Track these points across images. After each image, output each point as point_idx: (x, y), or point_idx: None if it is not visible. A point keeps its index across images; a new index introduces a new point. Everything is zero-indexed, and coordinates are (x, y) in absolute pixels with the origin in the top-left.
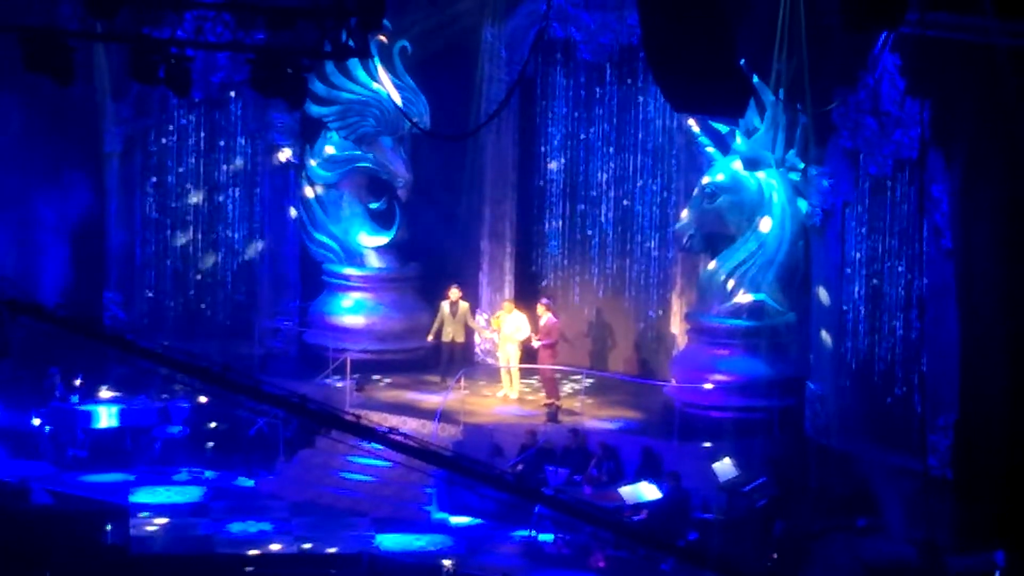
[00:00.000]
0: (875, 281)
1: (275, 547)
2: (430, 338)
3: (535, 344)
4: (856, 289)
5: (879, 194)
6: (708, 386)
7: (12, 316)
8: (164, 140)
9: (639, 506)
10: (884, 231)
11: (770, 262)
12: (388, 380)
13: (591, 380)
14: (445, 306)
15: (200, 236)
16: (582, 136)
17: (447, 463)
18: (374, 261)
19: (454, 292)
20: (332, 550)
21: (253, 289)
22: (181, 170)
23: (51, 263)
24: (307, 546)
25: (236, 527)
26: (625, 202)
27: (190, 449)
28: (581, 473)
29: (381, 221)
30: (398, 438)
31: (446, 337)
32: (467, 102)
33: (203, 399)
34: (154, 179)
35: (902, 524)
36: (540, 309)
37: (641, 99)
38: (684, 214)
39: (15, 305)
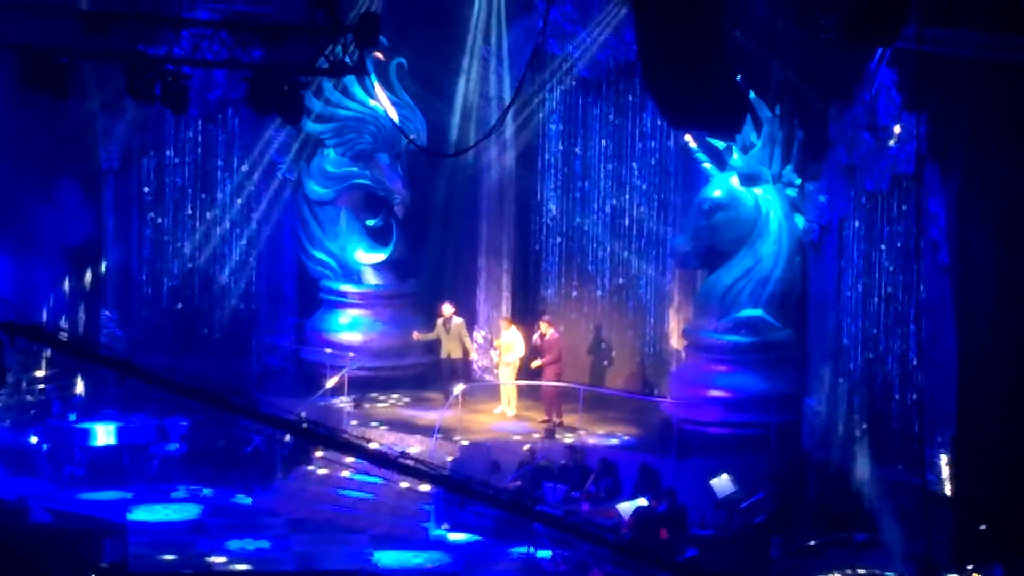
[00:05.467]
0: (872, 296)
1: (273, 565)
2: (444, 355)
3: (535, 364)
4: (853, 304)
5: (876, 209)
6: (713, 393)
7: (11, 339)
8: (160, 158)
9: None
10: (881, 246)
11: (767, 278)
12: (384, 397)
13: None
14: (439, 324)
15: (197, 253)
16: (579, 152)
17: (450, 484)
18: (371, 278)
19: (447, 308)
20: (330, 563)
21: (250, 306)
22: (178, 188)
23: (48, 281)
24: (304, 563)
25: (234, 544)
26: (622, 218)
27: (188, 466)
28: (579, 490)
29: (378, 238)
30: (408, 462)
31: (444, 354)
32: (464, 119)
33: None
34: (151, 197)
35: (900, 540)
36: (543, 326)
37: (638, 115)
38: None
39: (13, 328)
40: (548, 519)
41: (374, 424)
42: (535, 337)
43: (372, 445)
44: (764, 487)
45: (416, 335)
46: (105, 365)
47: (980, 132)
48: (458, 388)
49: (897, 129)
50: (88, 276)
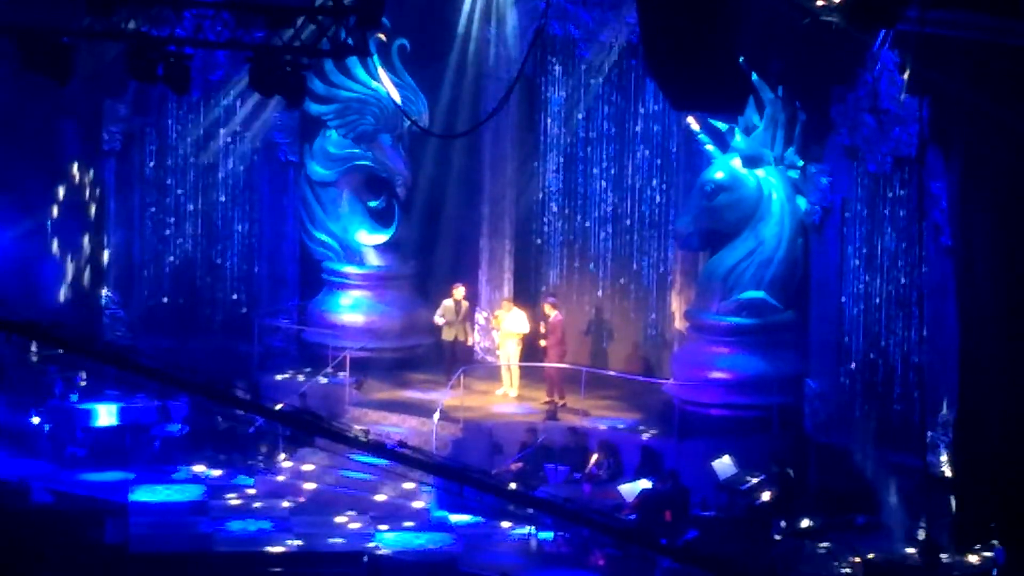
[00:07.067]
0: (874, 278)
1: (274, 546)
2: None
3: (542, 344)
4: (855, 286)
5: (878, 191)
6: (715, 375)
7: (7, 337)
8: (163, 139)
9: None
10: (883, 228)
11: (769, 260)
12: (386, 378)
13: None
14: (450, 304)
15: (199, 234)
16: (581, 134)
17: (448, 473)
18: (373, 259)
19: (459, 290)
20: (332, 544)
21: (252, 287)
22: (179, 169)
23: (49, 261)
24: (306, 544)
25: (236, 525)
26: (624, 200)
27: (189, 447)
28: (580, 471)
29: (380, 219)
30: (406, 451)
31: (448, 336)
32: (466, 99)
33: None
34: (152, 177)
35: (901, 522)
36: (547, 308)
37: (640, 97)
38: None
39: (9, 325)
40: (546, 506)
41: (375, 406)
42: (541, 323)
43: (369, 428)
44: (765, 469)
45: (442, 321)
46: (104, 361)
47: (982, 114)
48: (460, 369)
49: (906, 77)
50: (90, 257)
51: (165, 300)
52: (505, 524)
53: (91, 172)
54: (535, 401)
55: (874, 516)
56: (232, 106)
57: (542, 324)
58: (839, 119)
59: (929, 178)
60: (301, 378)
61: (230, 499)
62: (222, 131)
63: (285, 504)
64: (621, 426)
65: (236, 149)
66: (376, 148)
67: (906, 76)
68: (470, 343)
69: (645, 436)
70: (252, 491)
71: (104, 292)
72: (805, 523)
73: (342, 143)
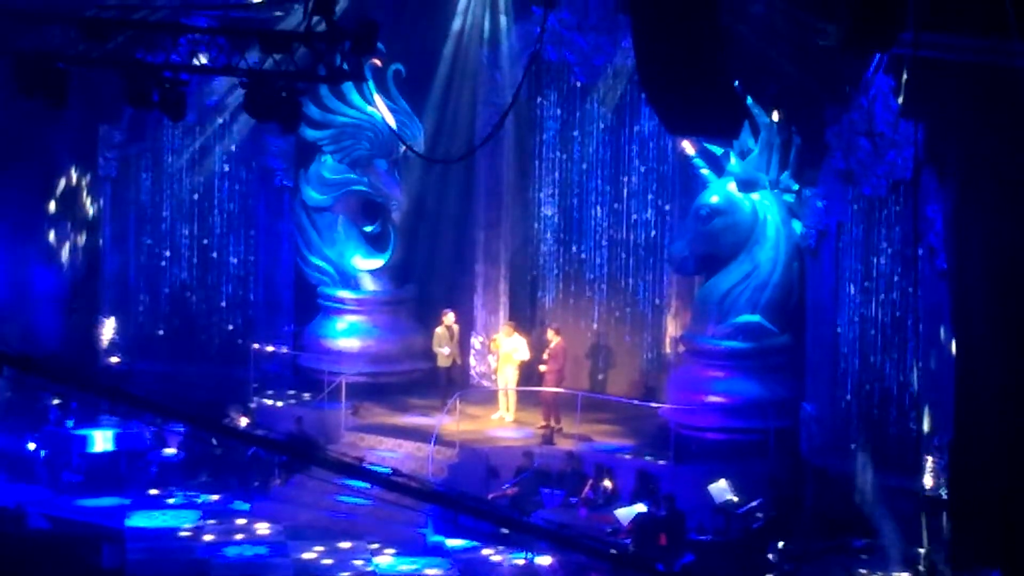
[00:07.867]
0: (870, 302)
1: (270, 571)
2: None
3: (542, 368)
4: (850, 310)
5: (873, 215)
6: (711, 399)
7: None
8: (159, 165)
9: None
10: (878, 252)
11: (765, 284)
12: (382, 403)
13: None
14: (442, 331)
15: (194, 260)
16: (576, 158)
17: (444, 500)
18: (369, 284)
19: (449, 316)
20: (328, 570)
21: (248, 312)
22: (175, 194)
23: (45, 286)
24: (302, 570)
25: (232, 551)
26: (620, 224)
27: (186, 473)
28: (577, 495)
29: (376, 244)
30: (400, 479)
31: (444, 362)
32: (462, 124)
33: None
34: (148, 203)
35: (898, 545)
36: (550, 333)
37: (635, 121)
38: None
39: (3, 358)
40: (541, 532)
41: (371, 431)
42: (546, 350)
43: (364, 454)
44: (762, 492)
45: (448, 352)
46: (97, 393)
47: (977, 137)
48: (456, 394)
49: (900, 100)
50: (85, 282)
51: (161, 328)
52: (499, 552)
53: (87, 197)
54: (531, 425)
55: (871, 539)
56: (228, 130)
57: (546, 351)
58: (834, 142)
59: (924, 201)
60: (296, 403)
61: (226, 524)
62: (217, 155)
63: (281, 529)
64: (627, 456)
65: (231, 174)
66: (371, 173)
67: (900, 99)
68: (460, 363)
69: (643, 459)
70: (248, 517)
71: (100, 318)
72: (801, 547)
73: (337, 168)
